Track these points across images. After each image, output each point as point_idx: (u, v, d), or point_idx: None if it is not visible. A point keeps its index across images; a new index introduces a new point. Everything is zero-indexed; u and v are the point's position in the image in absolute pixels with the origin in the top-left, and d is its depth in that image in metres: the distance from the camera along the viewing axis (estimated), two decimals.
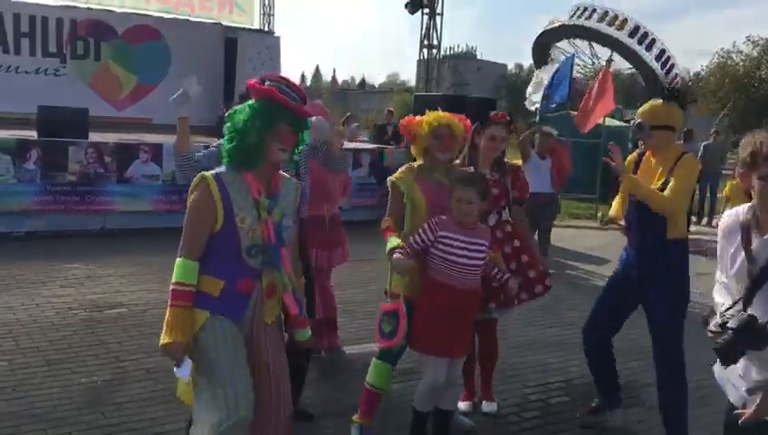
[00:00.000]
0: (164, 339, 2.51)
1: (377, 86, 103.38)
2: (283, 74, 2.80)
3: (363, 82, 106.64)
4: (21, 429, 3.59)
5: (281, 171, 2.76)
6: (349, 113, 16.76)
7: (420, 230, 3.40)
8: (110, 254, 7.97)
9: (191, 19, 14.62)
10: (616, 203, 3.99)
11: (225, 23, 14.91)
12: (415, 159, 3.75)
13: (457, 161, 3.90)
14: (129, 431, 3.67)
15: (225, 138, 2.64)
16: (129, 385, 4.22)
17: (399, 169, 3.69)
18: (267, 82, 2.65)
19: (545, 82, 10.26)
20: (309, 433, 3.76)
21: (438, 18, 18.29)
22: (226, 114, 2.68)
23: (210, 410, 2.53)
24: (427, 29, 18.41)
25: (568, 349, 5.19)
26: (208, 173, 2.59)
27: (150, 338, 5.06)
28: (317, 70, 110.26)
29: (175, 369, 2.55)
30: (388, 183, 3.65)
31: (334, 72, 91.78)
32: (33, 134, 9.18)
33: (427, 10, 18.18)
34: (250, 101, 2.64)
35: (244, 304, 2.64)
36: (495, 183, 3.86)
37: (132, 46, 13.87)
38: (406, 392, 4.01)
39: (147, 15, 14.03)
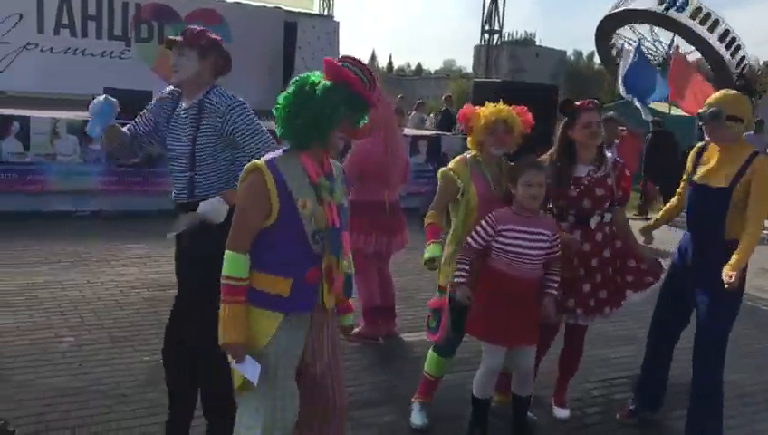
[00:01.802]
0: (222, 338, 2.41)
1: (433, 72, 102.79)
2: (356, 57, 2.67)
3: (420, 67, 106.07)
4: (88, 404, 3.67)
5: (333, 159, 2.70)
6: (420, 100, 16.57)
7: (478, 228, 3.37)
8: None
9: (253, 3, 14.75)
10: (666, 208, 3.89)
11: (285, 7, 15.00)
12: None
13: (544, 157, 3.68)
14: None
15: (285, 114, 2.46)
16: None
17: (453, 160, 3.63)
18: (343, 65, 2.50)
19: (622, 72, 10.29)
20: (367, 419, 3.74)
21: (501, 3, 18.01)
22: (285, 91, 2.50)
23: (259, 418, 2.50)
24: (489, 14, 18.16)
25: (632, 344, 5.04)
26: (261, 160, 2.47)
27: None
28: (373, 55, 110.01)
29: (235, 364, 2.45)
30: (440, 174, 3.59)
31: (390, 57, 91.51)
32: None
33: None
34: (321, 82, 2.44)
35: (312, 294, 2.54)
36: (599, 183, 3.59)
37: None
38: (464, 382, 3.96)
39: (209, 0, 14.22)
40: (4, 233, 7.22)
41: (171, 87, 3.24)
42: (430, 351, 3.72)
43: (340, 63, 2.51)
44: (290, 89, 2.48)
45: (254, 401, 2.51)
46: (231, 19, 14.28)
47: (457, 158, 3.64)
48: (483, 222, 3.37)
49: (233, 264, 2.42)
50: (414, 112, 14.95)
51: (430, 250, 3.42)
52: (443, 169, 3.61)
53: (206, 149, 3.04)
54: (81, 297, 5.49)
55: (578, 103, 3.64)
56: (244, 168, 2.48)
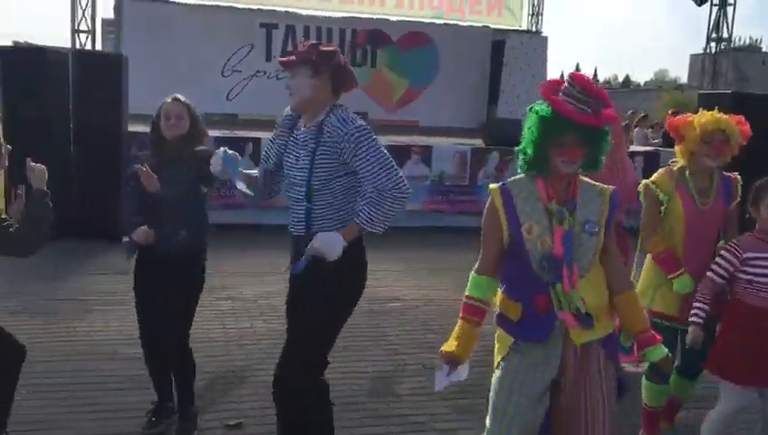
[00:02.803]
0: (445, 346, 2.53)
1: (642, 84, 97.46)
2: (578, 73, 2.56)
3: (627, 79, 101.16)
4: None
5: (584, 177, 2.56)
6: (643, 113, 15.79)
7: (720, 260, 3.14)
8: (383, 250, 8.35)
9: (461, 24, 15.01)
10: None
11: (494, 25, 15.08)
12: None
13: None
14: (411, 424, 3.83)
15: (520, 138, 2.52)
16: (408, 378, 4.40)
17: (657, 172, 3.44)
18: (565, 85, 2.45)
19: None
20: None
21: (730, 9, 16.63)
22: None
23: (489, 428, 2.55)
24: (717, 21, 16.85)
25: None
26: (495, 184, 2.53)
27: (424, 334, 5.27)
28: (577, 68, 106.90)
29: (439, 371, 2.55)
30: (641, 188, 3.43)
31: (595, 70, 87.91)
32: None
33: (716, 0, 16.66)
34: (538, 105, 2.46)
35: (546, 324, 2.45)
36: None
37: (404, 52, 14.61)
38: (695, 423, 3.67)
39: (419, 22, 14.68)
40: (238, 244, 7.92)
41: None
42: (644, 379, 3.58)
43: (551, 88, 2.44)
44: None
45: (489, 414, 2.56)
46: (439, 40, 14.63)
47: (662, 169, 3.47)
48: (724, 252, 3.15)
49: (470, 283, 2.55)
50: (637, 129, 14.24)
51: (682, 283, 3.27)
52: (644, 181, 3.45)
53: (325, 177, 2.79)
54: None
55: None
56: None
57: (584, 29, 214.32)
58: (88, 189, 7.64)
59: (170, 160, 3.35)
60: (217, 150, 2.95)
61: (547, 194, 2.46)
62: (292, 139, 2.91)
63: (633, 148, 11.33)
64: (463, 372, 2.53)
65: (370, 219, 2.77)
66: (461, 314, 2.55)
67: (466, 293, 2.54)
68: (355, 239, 2.85)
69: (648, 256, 3.53)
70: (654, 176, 3.43)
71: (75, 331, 4.98)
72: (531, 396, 2.46)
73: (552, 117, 2.39)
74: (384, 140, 10.47)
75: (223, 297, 5.91)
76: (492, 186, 2.53)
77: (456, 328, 2.54)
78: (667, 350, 2.59)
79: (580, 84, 2.40)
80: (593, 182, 2.58)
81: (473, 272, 2.55)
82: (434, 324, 5.51)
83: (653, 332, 2.59)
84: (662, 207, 3.38)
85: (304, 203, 2.83)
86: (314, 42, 2.86)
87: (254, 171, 3.07)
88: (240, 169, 2.97)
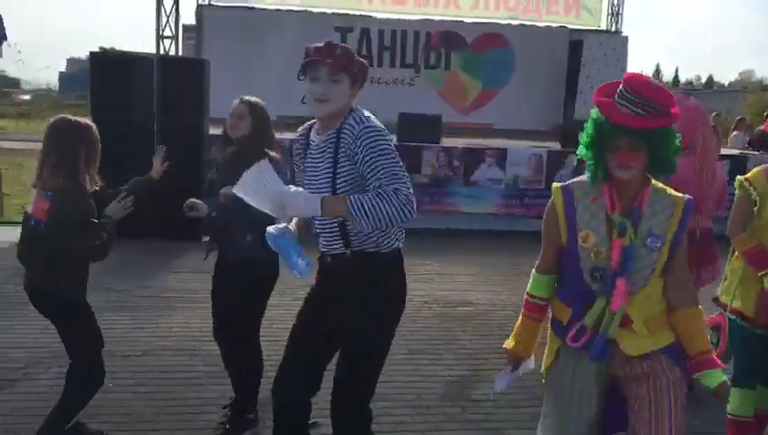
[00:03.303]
0: (506, 342, 2.61)
1: (726, 85, 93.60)
2: (632, 74, 2.35)
3: (711, 80, 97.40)
4: (392, 411, 3.90)
5: (658, 185, 2.41)
6: (740, 116, 15.09)
7: None
8: (456, 253, 8.39)
9: (537, 25, 14.76)
10: None
11: (571, 26, 14.76)
12: None
13: None
14: (488, 430, 3.79)
15: None
16: (483, 383, 4.34)
17: (754, 170, 3.29)
18: (620, 87, 2.31)
19: None
20: None
21: None
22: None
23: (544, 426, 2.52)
24: None
25: None
26: (558, 184, 2.47)
27: (500, 340, 5.13)
28: (657, 69, 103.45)
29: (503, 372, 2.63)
30: (737, 183, 3.27)
31: (676, 70, 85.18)
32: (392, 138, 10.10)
33: None
34: (594, 109, 2.36)
35: (600, 340, 2.35)
36: None
37: (479, 54, 14.48)
38: None
39: (495, 24, 14.52)
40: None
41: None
42: (729, 383, 3.38)
43: (604, 91, 2.35)
44: None
45: (546, 413, 2.54)
46: (515, 41, 14.45)
47: (758, 168, 3.29)
48: None
49: (531, 281, 2.57)
50: (735, 132, 13.62)
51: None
52: (739, 178, 3.30)
53: (351, 185, 2.50)
54: None
55: None
56: None
57: (665, 28, 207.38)
58: (170, 190, 7.90)
59: (234, 161, 3.35)
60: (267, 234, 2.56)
61: (612, 202, 2.35)
62: (308, 156, 2.65)
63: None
64: (527, 367, 2.59)
65: (361, 205, 2.37)
66: (522, 310, 2.59)
67: (527, 290, 2.57)
68: (398, 269, 2.72)
69: (734, 253, 3.37)
70: (749, 173, 3.29)
71: (158, 327, 5.14)
72: (580, 398, 2.43)
73: (603, 121, 2.31)
74: (458, 142, 10.49)
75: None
76: (555, 185, 2.47)
77: (517, 325, 2.59)
78: (725, 377, 2.39)
79: (631, 86, 2.27)
80: (669, 190, 2.42)
81: (533, 270, 2.56)
82: (509, 330, 5.37)
83: (713, 356, 2.40)
84: (754, 208, 3.22)
85: (335, 219, 2.52)
86: (334, 43, 2.52)
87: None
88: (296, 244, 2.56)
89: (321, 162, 2.55)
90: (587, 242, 2.33)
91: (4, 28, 9.91)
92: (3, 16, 9.89)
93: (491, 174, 10.02)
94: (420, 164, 9.76)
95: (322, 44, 2.51)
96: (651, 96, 2.25)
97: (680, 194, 2.42)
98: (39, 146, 3.22)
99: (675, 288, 2.39)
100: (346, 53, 2.51)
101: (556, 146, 10.99)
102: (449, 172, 9.90)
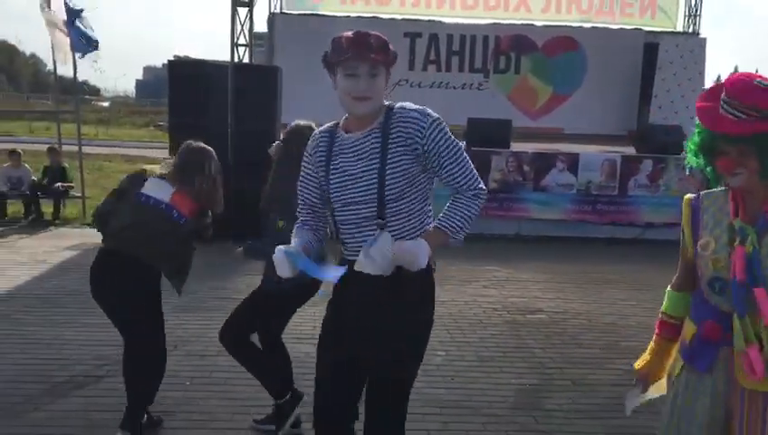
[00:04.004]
0: (636, 362, 2.49)
1: None
2: (734, 78, 2.27)
3: None
4: (464, 418, 3.87)
5: None
6: None
7: None
8: (526, 259, 8.28)
9: (611, 27, 14.42)
10: None
11: (646, 28, 14.36)
12: None
13: None
14: None
15: None
16: (557, 393, 4.25)
17: None
18: (722, 103, 2.14)
19: None
20: None
21: None
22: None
23: None
24: None
25: None
26: (688, 195, 2.33)
27: (572, 348, 5.07)
28: (735, 71, 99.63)
29: (632, 391, 2.48)
30: None
31: (756, 72, 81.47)
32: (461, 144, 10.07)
33: None
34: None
35: (709, 353, 2.20)
36: None
37: (550, 58, 14.25)
38: None
39: (566, 27, 14.26)
40: None
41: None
42: None
43: (707, 96, 2.21)
44: None
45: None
46: (588, 44, 14.17)
47: None
48: None
49: (665, 299, 2.45)
50: None
51: None
52: None
53: (403, 182, 2.32)
54: (448, 314, 5.84)
55: None
56: None
57: (744, 29, 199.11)
58: (243, 193, 8.09)
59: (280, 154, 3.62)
60: (275, 256, 2.33)
61: (735, 208, 2.21)
62: (336, 156, 2.41)
63: None
64: (658, 389, 2.46)
65: (461, 227, 2.37)
66: (656, 331, 2.48)
67: (662, 308, 2.46)
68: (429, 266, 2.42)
69: None
70: None
71: None
72: (699, 425, 2.25)
73: (702, 128, 2.21)
74: (530, 147, 10.35)
75: None
76: (685, 197, 2.37)
77: (650, 344, 2.48)
78: None
79: (729, 90, 2.13)
80: None
81: (669, 286, 2.45)
82: (583, 339, 5.31)
83: None
84: None
85: (375, 221, 2.33)
86: (364, 32, 2.36)
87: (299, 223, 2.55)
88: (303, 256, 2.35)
89: (362, 159, 2.34)
90: (706, 249, 2.21)
91: (96, 40, 10.33)
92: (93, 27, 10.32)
93: (562, 179, 9.85)
94: (489, 169, 9.68)
95: (352, 35, 2.33)
96: (753, 100, 2.11)
97: None
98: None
99: None
100: (381, 45, 2.33)
101: (630, 151, 10.70)
102: (519, 177, 9.79)
